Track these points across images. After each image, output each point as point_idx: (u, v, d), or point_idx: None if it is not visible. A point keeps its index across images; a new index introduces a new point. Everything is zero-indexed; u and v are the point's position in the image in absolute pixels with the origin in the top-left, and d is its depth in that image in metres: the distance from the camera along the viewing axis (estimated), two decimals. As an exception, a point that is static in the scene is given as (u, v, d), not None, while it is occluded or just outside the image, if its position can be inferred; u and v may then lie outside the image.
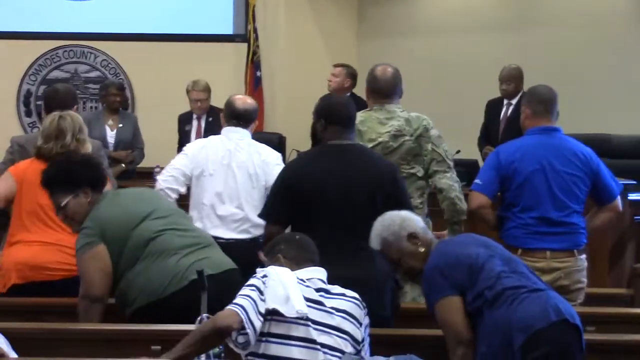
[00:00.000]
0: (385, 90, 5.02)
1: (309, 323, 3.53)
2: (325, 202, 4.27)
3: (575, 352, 3.67)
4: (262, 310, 3.49)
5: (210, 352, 3.57)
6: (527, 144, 4.91)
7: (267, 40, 10.19)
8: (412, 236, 3.95)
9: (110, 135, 8.06)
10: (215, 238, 4.71)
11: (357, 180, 4.28)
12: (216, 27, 10.35)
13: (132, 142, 8.14)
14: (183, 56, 9.88)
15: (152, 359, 3.57)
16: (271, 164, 5.34)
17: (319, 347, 3.51)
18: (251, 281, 3.57)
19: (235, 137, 5.37)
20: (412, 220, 4.01)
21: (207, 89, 8.19)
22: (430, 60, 9.85)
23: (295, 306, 3.51)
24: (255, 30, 10.08)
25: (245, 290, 3.54)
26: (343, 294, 3.67)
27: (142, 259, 4.19)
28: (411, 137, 4.93)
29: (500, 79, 8.15)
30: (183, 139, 8.15)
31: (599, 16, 9.22)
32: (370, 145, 4.86)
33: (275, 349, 3.50)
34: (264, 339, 3.51)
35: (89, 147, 5.01)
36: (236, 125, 5.41)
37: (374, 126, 4.93)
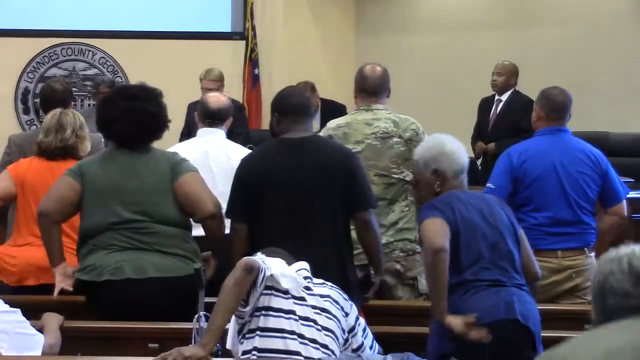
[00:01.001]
0: (373, 88, 4.98)
1: (303, 303, 3.55)
2: (280, 196, 4.25)
3: (523, 353, 3.66)
4: (268, 274, 3.50)
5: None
6: (536, 144, 4.92)
7: (266, 38, 10.19)
8: (437, 173, 3.99)
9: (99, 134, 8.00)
10: (198, 237, 4.69)
11: (311, 172, 4.24)
12: (214, 25, 10.34)
13: None
14: (181, 54, 9.88)
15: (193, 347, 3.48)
16: None
17: (312, 324, 3.53)
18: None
19: (211, 138, 5.37)
20: (450, 157, 4.02)
21: (219, 79, 8.18)
22: (429, 57, 9.86)
23: (293, 274, 3.56)
24: (253, 28, 10.08)
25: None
26: (324, 283, 3.70)
27: (87, 242, 4.23)
28: (400, 139, 4.88)
29: (494, 70, 8.17)
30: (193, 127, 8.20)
31: (598, 14, 9.23)
32: (357, 147, 4.82)
33: (274, 322, 3.49)
34: (263, 312, 3.50)
35: (88, 145, 5.03)
36: (211, 125, 5.41)
37: (360, 127, 4.89)
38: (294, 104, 4.42)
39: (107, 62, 10.17)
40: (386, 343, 3.79)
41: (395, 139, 4.89)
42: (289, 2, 10.36)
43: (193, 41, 10.11)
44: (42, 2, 10.10)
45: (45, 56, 10.13)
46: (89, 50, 10.15)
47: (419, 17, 10.21)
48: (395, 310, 4.62)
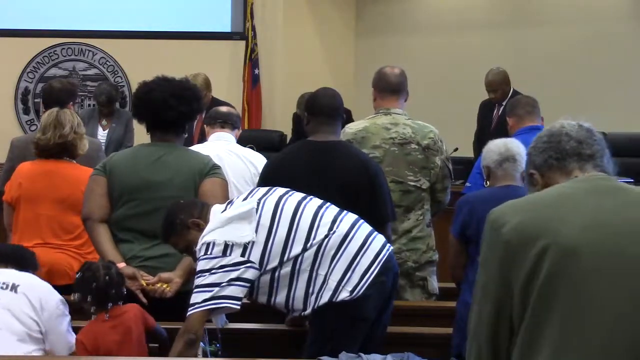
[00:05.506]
0: (395, 86, 4.90)
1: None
2: None
3: None
4: (246, 275, 3.53)
5: (208, 349, 3.58)
6: (512, 141, 4.96)
7: (265, 38, 10.21)
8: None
9: (102, 135, 7.96)
10: None
11: (333, 179, 4.18)
12: (214, 25, 10.36)
13: (122, 140, 8.07)
14: (181, 54, 9.89)
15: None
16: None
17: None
18: (204, 265, 3.55)
19: (223, 143, 5.28)
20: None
21: (205, 86, 8.12)
22: (428, 58, 9.87)
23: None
24: (253, 28, 10.10)
25: (201, 279, 3.53)
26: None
27: (116, 234, 4.21)
28: (418, 146, 4.80)
29: (486, 87, 8.11)
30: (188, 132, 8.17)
31: (596, 14, 9.23)
32: (374, 152, 4.76)
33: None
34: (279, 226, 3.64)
35: (86, 143, 5.00)
36: (222, 127, 5.34)
37: (378, 132, 4.81)
38: (325, 105, 4.36)
39: (107, 62, 10.18)
40: (386, 343, 3.79)
41: (413, 146, 4.81)
42: (289, 2, 10.38)
43: (193, 41, 10.13)
44: (42, 2, 10.12)
45: (45, 56, 10.14)
46: (89, 50, 10.17)
47: (419, 18, 10.22)
48: (395, 310, 4.62)
